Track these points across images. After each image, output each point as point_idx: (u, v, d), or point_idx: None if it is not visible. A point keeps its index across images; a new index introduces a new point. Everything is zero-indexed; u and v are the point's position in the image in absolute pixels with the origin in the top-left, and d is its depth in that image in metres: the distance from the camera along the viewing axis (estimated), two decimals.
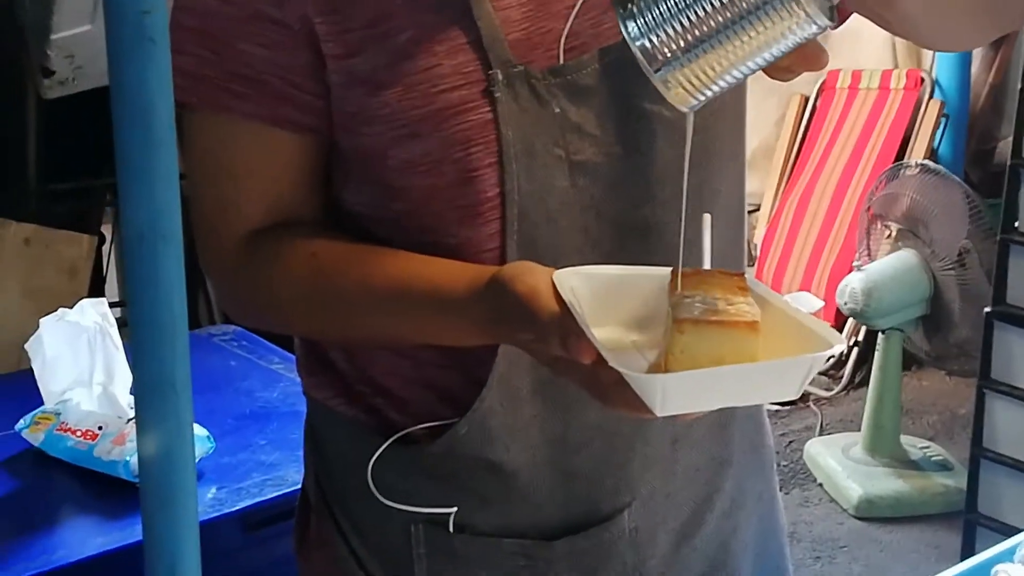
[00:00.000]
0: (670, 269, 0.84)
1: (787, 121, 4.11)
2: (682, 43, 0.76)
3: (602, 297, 0.85)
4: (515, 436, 0.97)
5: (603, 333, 0.81)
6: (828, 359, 0.76)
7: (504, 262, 0.92)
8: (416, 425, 0.99)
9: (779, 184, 4.04)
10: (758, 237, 4.07)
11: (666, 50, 0.76)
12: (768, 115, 4.09)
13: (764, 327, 0.78)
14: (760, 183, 4.07)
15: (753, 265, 4.18)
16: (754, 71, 0.78)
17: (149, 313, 0.73)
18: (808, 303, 0.94)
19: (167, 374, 0.74)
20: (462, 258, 0.93)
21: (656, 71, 0.77)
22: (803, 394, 3.83)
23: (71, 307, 1.74)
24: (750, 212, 4.21)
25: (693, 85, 0.78)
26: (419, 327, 0.93)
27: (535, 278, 0.83)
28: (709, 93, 0.79)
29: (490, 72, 0.91)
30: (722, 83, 0.78)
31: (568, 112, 0.93)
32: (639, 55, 0.77)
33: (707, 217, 0.87)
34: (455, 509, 0.99)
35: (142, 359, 0.73)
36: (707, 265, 0.87)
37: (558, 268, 0.87)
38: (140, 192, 0.71)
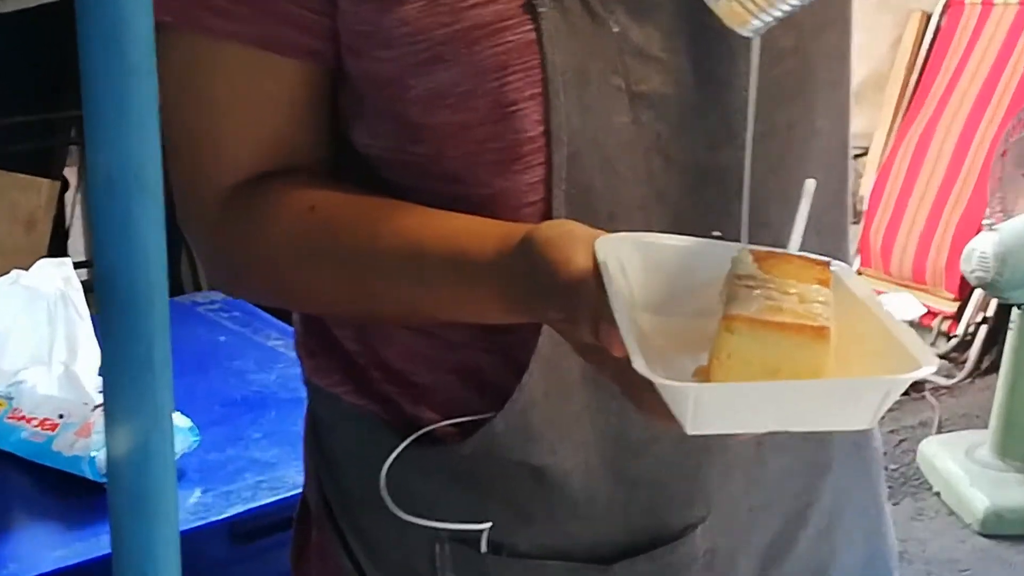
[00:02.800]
0: (733, 245, 0.83)
1: (904, 44, 4.07)
2: None
3: (658, 274, 0.84)
4: (563, 434, 0.97)
5: (652, 321, 0.80)
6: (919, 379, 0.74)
7: (550, 218, 0.92)
8: (441, 420, 1.00)
9: (892, 122, 4.02)
10: (865, 188, 4.06)
11: None
12: (881, 36, 4.06)
13: (849, 335, 0.77)
14: (869, 121, 4.05)
15: (859, 222, 4.15)
16: None
17: (121, 277, 0.73)
18: (906, 308, 0.93)
19: (142, 352, 0.73)
20: (498, 212, 0.93)
21: None
22: (918, 383, 3.82)
23: (27, 268, 1.76)
24: (856, 156, 4.19)
25: (755, 2, 0.77)
26: (437, 298, 0.93)
27: (573, 243, 0.82)
28: (778, 12, 0.77)
29: None
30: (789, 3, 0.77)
31: (629, 31, 0.93)
32: None
33: (810, 183, 0.86)
34: (489, 525, 1.00)
35: (112, 334, 0.73)
36: (795, 241, 0.85)
37: (613, 226, 0.86)
38: (110, 129, 0.71)
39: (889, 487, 3.30)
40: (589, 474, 0.99)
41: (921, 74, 4.01)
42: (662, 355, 0.77)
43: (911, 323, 3.90)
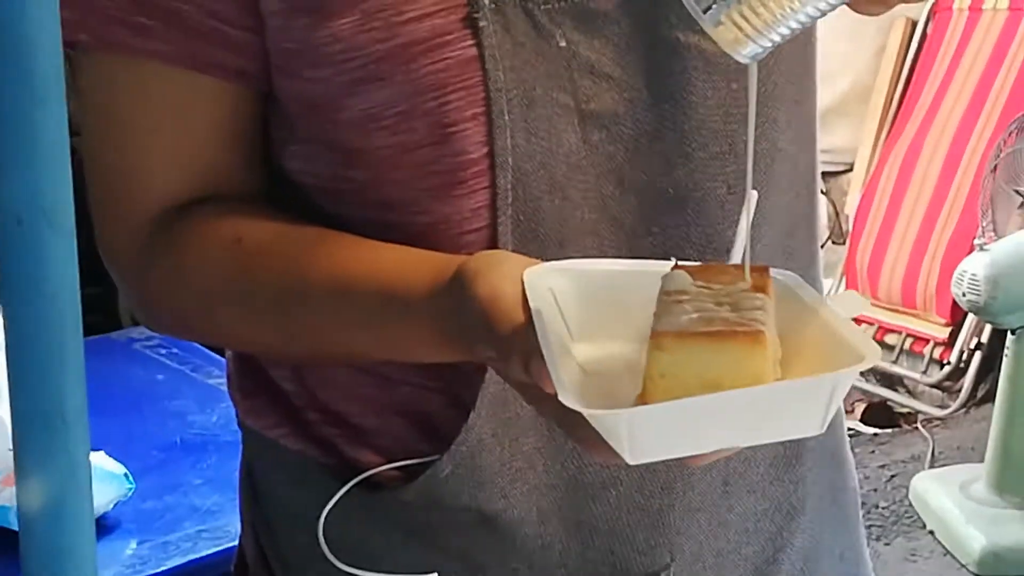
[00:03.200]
0: (672, 263, 0.83)
1: (888, 53, 4.09)
2: None
3: (593, 301, 0.84)
4: (514, 478, 0.97)
5: (591, 350, 0.80)
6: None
7: (495, 246, 0.93)
8: (384, 464, 1.00)
9: (878, 136, 4.03)
10: (851, 206, 4.07)
11: None
12: (864, 45, 4.08)
13: (797, 342, 0.77)
14: (853, 135, 4.06)
15: (844, 243, 4.17)
16: (835, 6, 0.78)
17: (31, 322, 0.73)
18: (851, 304, 0.93)
19: (54, 401, 0.73)
20: (440, 240, 0.93)
21: (706, 9, 0.77)
22: (909, 414, 3.83)
23: None
24: (841, 173, 4.20)
25: (754, 26, 0.77)
26: (369, 336, 0.93)
27: (500, 276, 0.82)
28: (777, 36, 0.78)
29: None
30: (794, 22, 0.77)
31: (577, 46, 0.93)
32: None
33: (753, 195, 0.86)
34: None
35: (21, 381, 0.73)
36: (738, 249, 0.85)
37: (564, 253, 0.86)
38: (18, 165, 0.71)
39: (880, 526, 3.33)
40: (543, 521, 0.99)
41: (907, 85, 4.03)
42: (606, 386, 0.77)
43: (902, 349, 3.91)
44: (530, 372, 0.77)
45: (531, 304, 0.79)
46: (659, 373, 0.73)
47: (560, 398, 0.72)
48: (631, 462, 0.73)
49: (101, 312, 3.01)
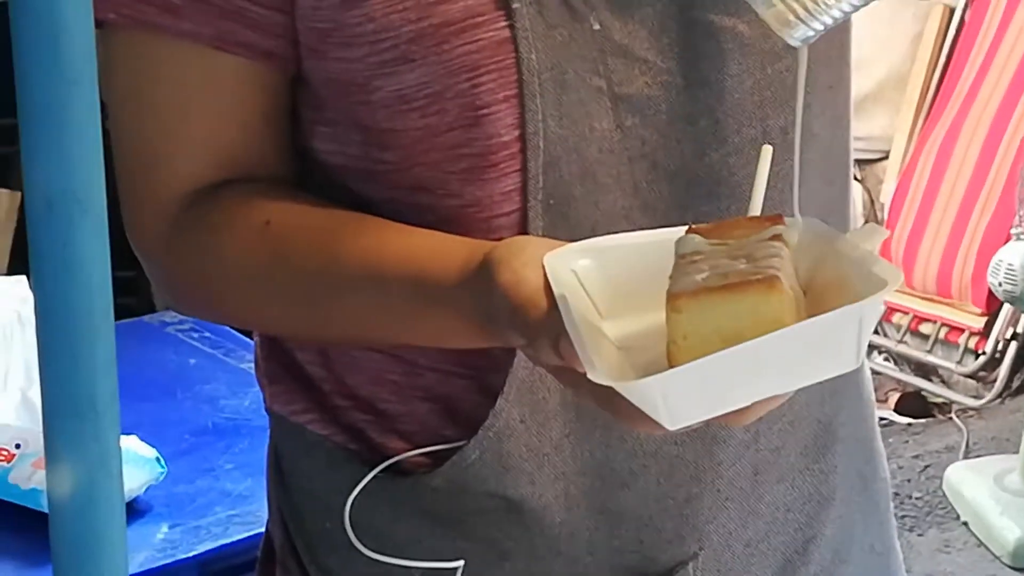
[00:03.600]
0: (688, 225, 0.83)
1: (925, 40, 4.06)
2: None
3: (617, 276, 0.84)
4: (541, 464, 0.97)
5: (621, 326, 0.80)
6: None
7: (525, 231, 0.92)
8: (411, 450, 1.00)
9: (914, 124, 4.00)
10: (886, 194, 4.04)
11: None
12: (900, 32, 4.05)
13: (822, 279, 0.76)
14: (889, 122, 4.04)
15: None
16: None
17: (61, 308, 0.72)
18: (872, 235, 0.91)
19: (84, 388, 0.73)
20: (470, 224, 0.93)
21: None
22: (943, 404, 3.81)
23: None
24: (877, 160, 4.18)
25: (807, 8, 0.77)
26: (398, 321, 0.93)
27: (523, 262, 0.82)
28: (829, 19, 0.78)
29: None
30: (847, 5, 0.77)
31: (611, 29, 0.93)
32: None
33: (767, 149, 0.86)
34: (462, 563, 0.99)
35: (51, 368, 0.72)
36: (756, 203, 0.85)
37: (597, 237, 0.86)
38: (48, 146, 0.71)
39: (913, 517, 3.31)
40: (570, 507, 0.99)
41: (944, 72, 3.99)
42: (642, 358, 0.77)
43: (937, 339, 3.89)
44: (560, 354, 0.77)
45: (554, 289, 0.79)
46: (681, 335, 0.73)
47: (590, 376, 0.72)
48: (671, 427, 0.73)
49: (135, 295, 3.02)
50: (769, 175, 0.89)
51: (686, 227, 0.82)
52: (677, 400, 0.72)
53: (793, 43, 0.79)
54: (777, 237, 0.78)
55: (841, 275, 0.78)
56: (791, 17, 0.78)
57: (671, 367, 0.72)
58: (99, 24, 0.96)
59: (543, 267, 0.81)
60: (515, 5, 0.90)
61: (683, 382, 0.72)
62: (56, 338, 0.71)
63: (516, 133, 0.92)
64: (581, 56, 0.92)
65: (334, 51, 0.93)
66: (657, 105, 0.94)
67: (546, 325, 0.78)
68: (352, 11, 0.91)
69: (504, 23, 0.90)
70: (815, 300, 0.77)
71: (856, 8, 0.78)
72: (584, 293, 0.82)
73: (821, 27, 0.79)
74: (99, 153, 0.70)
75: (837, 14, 0.78)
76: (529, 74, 0.91)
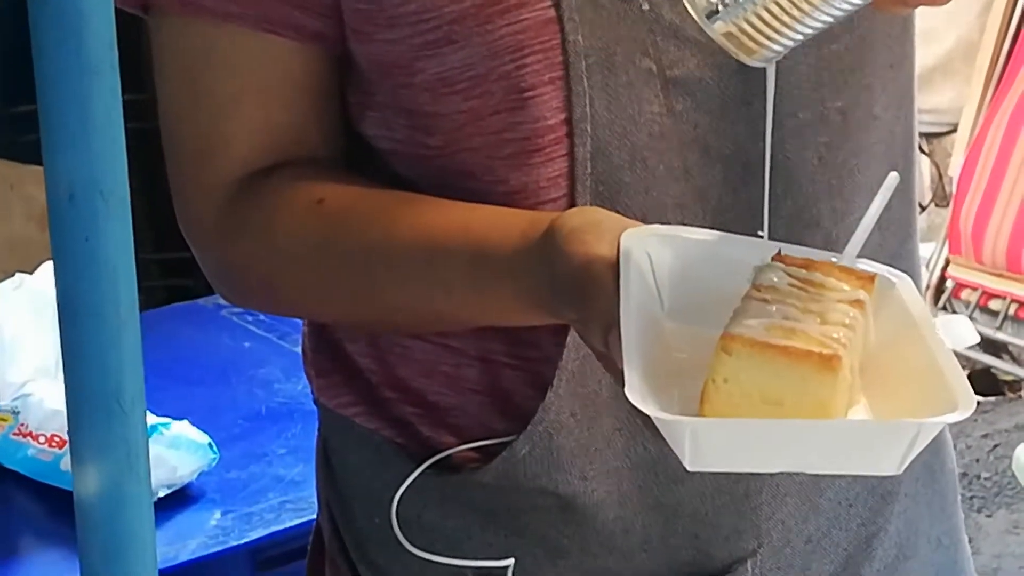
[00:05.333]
0: (779, 246, 0.80)
1: (995, 9, 4.01)
2: None
3: (691, 276, 0.81)
4: (593, 459, 0.96)
5: (679, 330, 0.79)
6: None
7: None
8: (460, 445, 0.99)
9: (983, 96, 3.96)
10: (954, 168, 4.00)
11: None
12: (969, 2, 4.00)
13: (891, 356, 0.74)
14: (958, 95, 3.99)
15: (948, 206, 4.10)
16: (846, 13, 0.75)
17: (85, 302, 0.71)
18: (960, 333, 0.88)
19: (110, 384, 0.71)
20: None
21: (709, 15, 0.75)
22: (1013, 381, 3.76)
23: (32, 271, 1.76)
24: (944, 134, 4.13)
25: (763, 33, 0.75)
26: (454, 295, 0.92)
27: (599, 235, 0.80)
28: (788, 41, 0.76)
29: None
30: (808, 27, 0.75)
31: (661, 8, 0.91)
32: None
33: (892, 177, 0.83)
34: (512, 561, 0.99)
35: (75, 365, 0.71)
36: (854, 246, 0.81)
37: (681, 226, 0.85)
38: (69, 136, 0.69)
39: (982, 497, 3.29)
40: (623, 503, 0.98)
41: (1014, 43, 3.94)
42: (683, 370, 0.75)
43: (1007, 315, 3.84)
44: (608, 345, 0.76)
45: (621, 277, 0.77)
46: (722, 377, 0.71)
47: (626, 392, 0.71)
48: (690, 469, 0.72)
49: (191, 276, 3.02)
50: (820, 155, 0.85)
51: (777, 246, 0.80)
52: (703, 447, 0.71)
53: (754, 65, 0.77)
54: (859, 303, 0.75)
55: (913, 366, 0.75)
56: (746, 41, 0.75)
57: (702, 403, 0.72)
58: (145, 10, 0.97)
59: (618, 246, 0.79)
60: None
61: (712, 433, 0.71)
62: (80, 334, 0.69)
63: (562, 116, 0.91)
64: (630, 37, 0.91)
65: (378, 32, 0.92)
66: (709, 88, 0.93)
67: (603, 310, 0.77)
68: None
69: (549, 3, 0.90)
70: (881, 377, 0.75)
71: (816, 30, 0.76)
72: (653, 281, 0.80)
73: (781, 48, 0.77)
74: (121, 144, 0.69)
75: (798, 36, 0.76)
76: (575, 55, 0.90)
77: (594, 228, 0.82)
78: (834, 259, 0.80)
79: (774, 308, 0.73)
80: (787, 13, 0.74)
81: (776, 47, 0.76)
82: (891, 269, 0.82)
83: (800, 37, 0.76)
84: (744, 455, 0.73)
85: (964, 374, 0.74)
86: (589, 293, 0.79)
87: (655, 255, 0.80)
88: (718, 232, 0.86)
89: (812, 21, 0.75)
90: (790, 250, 0.80)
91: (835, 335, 0.72)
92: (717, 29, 0.76)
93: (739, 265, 0.79)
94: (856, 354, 0.74)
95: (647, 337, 0.75)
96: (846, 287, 0.77)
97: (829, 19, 0.75)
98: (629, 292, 0.76)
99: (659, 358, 0.77)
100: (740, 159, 0.94)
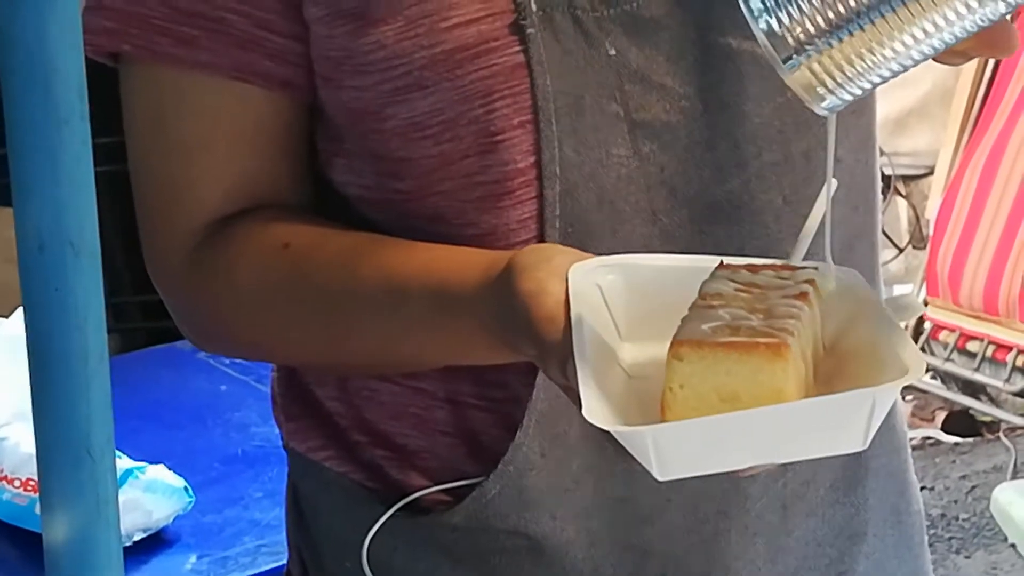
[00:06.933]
0: (720, 260, 0.81)
1: None
2: (822, 21, 0.73)
3: (643, 298, 0.82)
4: (563, 499, 0.96)
5: (638, 351, 0.79)
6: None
7: None
8: (429, 487, 0.99)
9: (959, 140, 3.98)
10: (931, 210, 4.02)
11: (799, 31, 0.74)
12: None
13: (846, 343, 0.75)
14: (935, 138, 4.02)
15: (925, 247, 4.11)
16: (919, 62, 0.75)
17: (55, 352, 0.71)
18: (906, 308, 0.89)
19: (79, 433, 0.71)
20: None
21: (786, 60, 0.75)
22: (991, 422, 3.77)
23: (8, 314, 1.76)
24: (922, 176, 4.15)
25: (836, 80, 0.75)
26: (418, 335, 0.92)
27: (548, 272, 0.81)
28: (858, 90, 0.76)
29: None
30: (876, 77, 0.75)
31: (627, 54, 0.92)
32: (762, 39, 0.75)
33: (833, 183, 0.84)
34: None
35: (45, 413, 0.71)
36: (799, 251, 0.83)
37: (629, 254, 0.86)
38: (39, 186, 0.70)
39: (960, 539, 3.28)
40: (593, 543, 0.98)
41: (989, 87, 3.96)
42: (651, 390, 0.75)
43: (984, 356, 3.85)
44: (566, 377, 0.77)
45: (572, 309, 0.78)
46: (678, 383, 0.72)
47: (583, 411, 0.71)
48: (661, 478, 0.72)
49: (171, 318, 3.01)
50: (785, 196, 0.86)
51: (719, 259, 0.81)
52: (667, 453, 0.71)
53: (819, 112, 0.78)
54: (803, 296, 0.76)
55: (867, 346, 0.76)
56: (817, 86, 0.76)
57: (663, 413, 0.72)
58: (114, 57, 0.97)
59: (567, 280, 0.80)
60: (529, 30, 0.90)
61: (674, 437, 0.71)
62: (49, 382, 0.70)
63: (532, 159, 0.92)
64: (597, 82, 0.92)
65: (347, 79, 0.93)
66: (675, 131, 0.94)
67: (558, 344, 0.78)
68: (364, 39, 0.91)
69: (518, 48, 0.90)
70: (836, 364, 0.76)
71: (889, 77, 0.76)
72: (607, 310, 0.81)
73: (851, 97, 0.76)
74: (91, 194, 0.69)
75: (867, 85, 0.76)
76: (544, 99, 0.91)
77: (545, 265, 0.82)
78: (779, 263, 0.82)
79: (721, 312, 0.74)
80: (863, 60, 0.74)
81: (845, 95, 0.76)
82: (839, 267, 0.83)
83: (869, 86, 0.76)
84: (709, 454, 0.72)
85: (915, 345, 0.74)
86: (543, 329, 0.79)
87: (605, 284, 0.82)
88: (663, 254, 0.87)
89: (884, 71, 0.75)
90: (733, 260, 0.81)
91: (782, 325, 0.73)
92: (792, 74, 0.76)
93: (690, 281, 0.80)
94: (808, 344, 0.75)
95: (603, 363, 0.76)
96: (791, 283, 0.78)
97: (901, 68, 0.76)
98: (581, 323, 0.76)
99: (619, 383, 0.78)
100: (705, 200, 0.95)
